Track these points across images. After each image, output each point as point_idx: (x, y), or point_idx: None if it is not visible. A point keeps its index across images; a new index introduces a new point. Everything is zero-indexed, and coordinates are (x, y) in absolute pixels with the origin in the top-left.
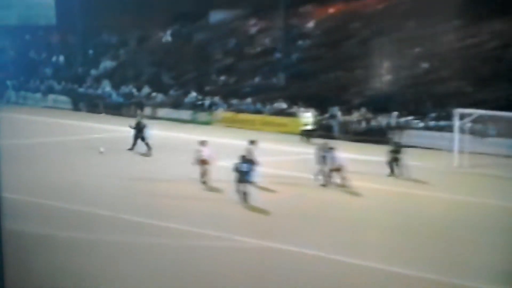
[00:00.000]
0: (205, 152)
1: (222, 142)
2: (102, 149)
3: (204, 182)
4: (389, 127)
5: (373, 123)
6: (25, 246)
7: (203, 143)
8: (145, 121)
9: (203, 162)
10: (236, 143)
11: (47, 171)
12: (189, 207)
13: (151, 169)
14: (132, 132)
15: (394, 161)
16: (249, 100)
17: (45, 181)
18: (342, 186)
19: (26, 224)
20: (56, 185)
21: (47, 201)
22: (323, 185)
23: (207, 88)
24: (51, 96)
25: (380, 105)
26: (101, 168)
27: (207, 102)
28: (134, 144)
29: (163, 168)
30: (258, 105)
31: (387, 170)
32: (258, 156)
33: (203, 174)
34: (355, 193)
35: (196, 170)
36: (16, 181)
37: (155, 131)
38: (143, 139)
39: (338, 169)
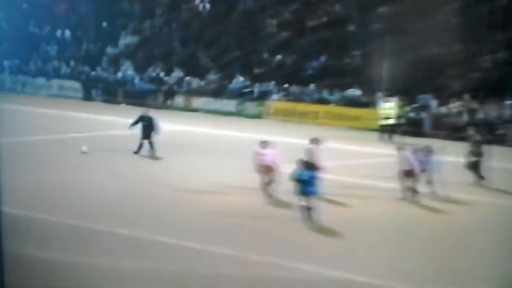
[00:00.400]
0: (268, 156)
1: (276, 141)
2: (84, 148)
3: (268, 195)
4: (501, 121)
5: (479, 115)
6: (27, 272)
7: (264, 144)
8: (151, 115)
9: (266, 169)
10: (294, 142)
11: (51, 178)
12: (239, 227)
13: (188, 176)
14: (137, 130)
15: (476, 164)
16: (312, 86)
17: (48, 191)
18: (431, 197)
19: (28, 246)
20: (63, 197)
21: (52, 217)
22: (403, 199)
23: (257, 71)
24: (56, 82)
25: (488, 91)
26: (122, 174)
27: (256, 89)
28: (151, 145)
29: (204, 175)
30: (324, 93)
31: (487, 176)
32: (322, 160)
33: (266, 184)
34: (448, 210)
35: (251, 178)
36: (14, 191)
37: (193, 128)
38: (148, 136)
39: (411, 175)
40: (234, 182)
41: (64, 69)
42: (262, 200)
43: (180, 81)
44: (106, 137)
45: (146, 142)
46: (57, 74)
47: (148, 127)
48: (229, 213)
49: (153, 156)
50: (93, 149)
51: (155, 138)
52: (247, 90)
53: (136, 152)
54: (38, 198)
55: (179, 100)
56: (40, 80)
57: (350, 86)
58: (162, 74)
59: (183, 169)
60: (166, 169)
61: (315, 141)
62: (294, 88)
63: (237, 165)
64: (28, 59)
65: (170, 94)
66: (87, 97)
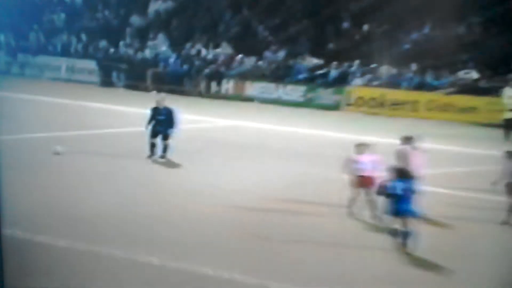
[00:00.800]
0: (367, 165)
1: (358, 140)
2: (59, 148)
3: (351, 214)
4: None
5: None
6: None
7: (361, 148)
8: (169, 106)
9: (362, 181)
10: (384, 142)
11: (56, 189)
12: (310, 257)
13: (239, 188)
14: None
15: None
16: (411, 67)
17: (54, 205)
18: None
19: (34, 280)
20: (72, 214)
21: (62, 241)
22: (504, 223)
23: (332, 46)
24: (65, 62)
25: None
26: (147, 185)
27: (333, 70)
28: (165, 148)
29: (261, 186)
30: (427, 76)
31: None
32: (420, 166)
33: (355, 200)
34: None
35: (328, 192)
36: (14, 208)
37: (245, 122)
38: (166, 136)
39: None
40: (303, 197)
41: (75, 44)
42: (345, 223)
43: (229, 61)
44: (129, 136)
45: (158, 141)
46: (66, 52)
47: (162, 123)
48: (296, 238)
49: (168, 162)
50: (110, 152)
51: (172, 135)
52: (319, 72)
53: (150, 156)
54: (41, 215)
55: (227, 85)
56: (44, 60)
57: (464, 66)
58: (205, 51)
59: (231, 179)
60: (207, 178)
61: (409, 140)
62: (385, 69)
63: (307, 173)
64: (27, 32)
65: (215, 77)
66: (106, 81)
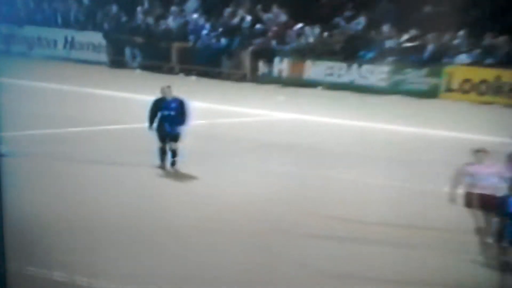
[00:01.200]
0: (488, 178)
1: (463, 139)
2: (2, 148)
3: (486, 247)
4: None
5: None
6: None
7: (480, 156)
8: (177, 97)
9: (483, 201)
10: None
11: (67, 203)
12: None
13: (299, 206)
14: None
15: None
16: None
17: (65, 223)
18: None
19: None
20: (89, 235)
21: (70, 276)
22: None
23: (427, 10)
24: (62, 34)
25: None
26: (177, 206)
27: (427, 46)
28: (173, 155)
29: (333, 201)
30: None
31: None
32: None
33: (482, 228)
34: None
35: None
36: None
37: (305, 116)
38: (174, 137)
39: None
40: (397, 218)
41: (76, 11)
42: (435, 252)
43: (283, 32)
44: (145, 133)
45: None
46: (64, 21)
47: (171, 120)
48: (357, 273)
49: (176, 173)
50: (119, 155)
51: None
52: (409, 46)
53: (162, 166)
54: (49, 239)
55: (281, 66)
56: (34, 31)
57: None
58: (250, 19)
59: (279, 192)
60: (249, 197)
61: None
62: (501, 42)
63: (386, 185)
64: None
65: (265, 55)
66: (116, 61)
